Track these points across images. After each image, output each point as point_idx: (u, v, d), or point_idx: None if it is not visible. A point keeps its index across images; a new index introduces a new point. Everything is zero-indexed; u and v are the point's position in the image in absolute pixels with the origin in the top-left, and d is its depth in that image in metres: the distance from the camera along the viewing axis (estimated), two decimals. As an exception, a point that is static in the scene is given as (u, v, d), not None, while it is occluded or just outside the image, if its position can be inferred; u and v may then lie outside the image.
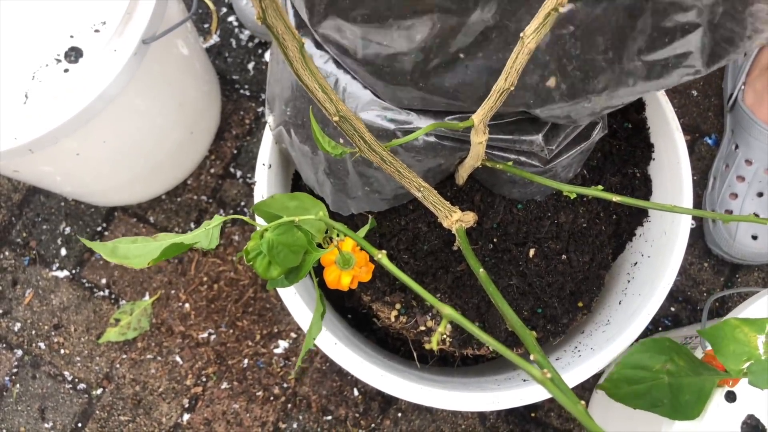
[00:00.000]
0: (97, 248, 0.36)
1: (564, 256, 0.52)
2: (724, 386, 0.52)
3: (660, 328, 0.85)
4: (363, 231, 0.40)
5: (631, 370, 0.45)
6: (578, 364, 0.51)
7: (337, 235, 0.36)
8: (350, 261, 0.37)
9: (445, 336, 0.49)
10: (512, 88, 0.35)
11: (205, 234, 0.36)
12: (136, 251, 0.36)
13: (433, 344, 0.29)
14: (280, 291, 0.51)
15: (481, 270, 0.36)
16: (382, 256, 0.33)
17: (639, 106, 0.60)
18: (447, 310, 0.30)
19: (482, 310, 0.52)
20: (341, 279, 0.37)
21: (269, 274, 0.34)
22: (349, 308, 0.66)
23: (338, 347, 0.49)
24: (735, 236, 0.82)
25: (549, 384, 0.27)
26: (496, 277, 0.51)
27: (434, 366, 0.59)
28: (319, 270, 0.50)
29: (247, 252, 0.34)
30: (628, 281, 0.57)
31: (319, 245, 0.37)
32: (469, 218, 0.41)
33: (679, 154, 0.53)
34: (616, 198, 0.38)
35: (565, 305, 0.53)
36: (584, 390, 0.82)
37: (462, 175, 0.47)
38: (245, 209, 0.91)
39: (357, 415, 0.83)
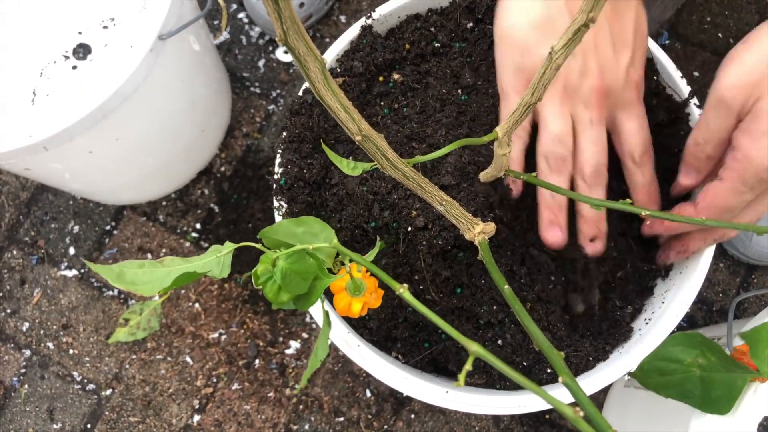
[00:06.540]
0: (103, 272, 0.35)
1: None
2: (756, 383, 0.51)
3: (675, 330, 0.84)
4: (371, 254, 0.39)
5: (663, 361, 0.45)
6: (600, 370, 0.50)
7: (350, 260, 0.36)
8: (361, 287, 0.36)
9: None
10: (538, 102, 0.35)
11: (216, 262, 0.35)
12: (144, 277, 0.36)
13: (460, 382, 0.28)
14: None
15: (506, 287, 0.35)
16: (404, 291, 0.32)
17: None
18: (474, 347, 0.29)
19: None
20: (351, 306, 0.36)
21: (279, 299, 0.34)
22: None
23: (361, 349, 0.48)
24: (751, 237, 0.81)
25: (581, 423, 0.27)
26: (518, 291, 0.50)
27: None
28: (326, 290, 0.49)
29: (257, 276, 0.33)
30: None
31: (329, 270, 0.36)
32: (491, 228, 0.41)
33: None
34: (645, 213, 0.37)
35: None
36: (599, 392, 0.81)
37: (485, 182, 0.47)
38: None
39: (369, 416, 0.82)
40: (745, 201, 0.43)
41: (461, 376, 0.28)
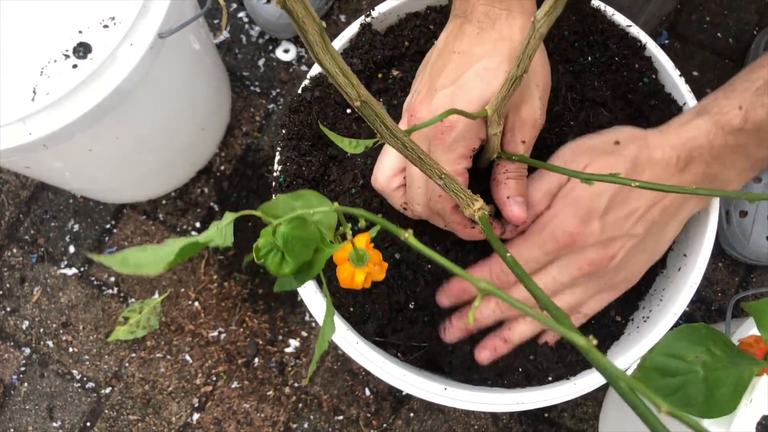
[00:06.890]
0: (107, 261, 0.35)
1: None
2: (763, 375, 0.51)
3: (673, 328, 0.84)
4: (375, 230, 0.39)
5: (666, 358, 0.44)
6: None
7: (352, 229, 0.36)
8: (364, 257, 0.35)
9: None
10: (525, 75, 0.35)
11: (218, 233, 0.35)
12: (147, 259, 0.35)
13: (470, 318, 0.28)
14: (300, 289, 0.50)
15: (509, 254, 0.35)
16: (408, 235, 0.32)
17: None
18: (483, 284, 0.28)
19: None
20: (355, 277, 0.36)
21: (282, 271, 0.34)
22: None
23: (359, 346, 0.48)
24: (750, 237, 0.81)
25: (594, 351, 0.26)
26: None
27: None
28: (328, 274, 0.49)
29: (258, 249, 0.33)
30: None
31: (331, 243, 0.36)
32: (490, 206, 0.41)
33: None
34: (635, 184, 0.37)
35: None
36: (597, 390, 0.81)
37: (482, 165, 0.47)
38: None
39: (369, 414, 0.83)
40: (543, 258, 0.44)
41: (470, 313, 0.27)
